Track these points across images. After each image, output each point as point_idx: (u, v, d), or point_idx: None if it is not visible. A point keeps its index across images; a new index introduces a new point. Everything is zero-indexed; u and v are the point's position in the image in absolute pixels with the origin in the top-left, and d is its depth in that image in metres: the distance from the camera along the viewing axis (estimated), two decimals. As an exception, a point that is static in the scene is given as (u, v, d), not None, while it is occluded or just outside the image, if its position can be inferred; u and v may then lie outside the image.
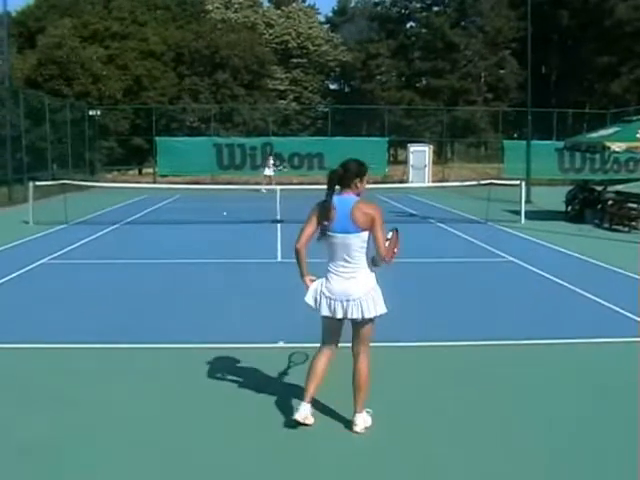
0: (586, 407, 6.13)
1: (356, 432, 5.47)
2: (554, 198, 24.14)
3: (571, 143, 24.53)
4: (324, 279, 5.48)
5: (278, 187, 24.40)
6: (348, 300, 5.35)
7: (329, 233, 5.36)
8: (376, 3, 66.19)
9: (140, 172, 44.07)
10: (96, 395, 6.36)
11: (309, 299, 5.51)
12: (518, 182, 21.45)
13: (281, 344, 7.72)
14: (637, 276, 11.84)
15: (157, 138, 38.60)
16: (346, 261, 5.37)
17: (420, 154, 38.50)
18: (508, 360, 7.48)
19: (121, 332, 8.43)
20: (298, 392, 5.82)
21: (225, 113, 45.92)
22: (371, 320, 5.45)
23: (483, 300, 10.37)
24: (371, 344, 5.60)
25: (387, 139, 40.51)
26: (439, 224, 19.75)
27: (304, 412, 5.51)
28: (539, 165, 31.73)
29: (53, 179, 26.67)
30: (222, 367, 7.00)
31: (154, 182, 36.26)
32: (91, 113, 38.48)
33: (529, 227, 18.79)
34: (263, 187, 28.36)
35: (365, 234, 5.31)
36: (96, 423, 5.74)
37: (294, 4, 62.83)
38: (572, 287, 11.00)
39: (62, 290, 10.99)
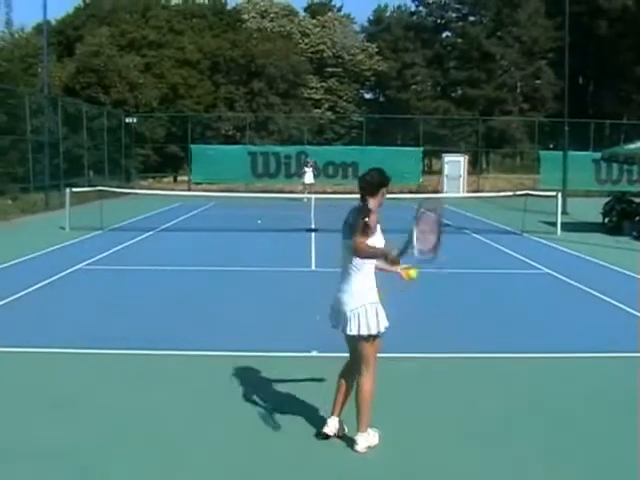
0: (621, 423, 6.00)
1: (357, 451, 5.32)
2: (591, 209, 23.86)
3: (609, 154, 24.29)
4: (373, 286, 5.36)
5: (313, 196, 24.35)
6: (339, 310, 5.29)
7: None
8: (412, 13, 66.12)
9: (175, 179, 44.40)
10: (127, 401, 6.38)
11: None
12: (554, 193, 21.25)
13: (314, 353, 7.69)
14: (676, 290, 11.64)
15: (192, 146, 38.92)
16: (344, 269, 5.32)
17: (455, 164, 38.30)
18: (544, 374, 7.38)
19: (155, 339, 8.45)
20: (327, 402, 5.76)
21: (260, 122, 46.11)
22: (360, 338, 5.25)
23: (517, 312, 10.25)
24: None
25: (422, 149, 40.38)
26: (474, 235, 19.60)
27: (333, 425, 5.51)
28: (576, 176, 31.47)
29: (89, 185, 26.98)
30: (254, 376, 6.98)
31: (189, 189, 36.49)
32: (127, 121, 38.85)
33: (565, 239, 18.57)
34: (305, 195, 27.80)
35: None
36: (125, 429, 5.75)
37: (330, 13, 62.88)
38: (610, 300, 10.83)
39: (97, 296, 11.06)
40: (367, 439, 5.37)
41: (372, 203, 5.22)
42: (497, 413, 6.21)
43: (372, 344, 5.29)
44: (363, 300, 5.22)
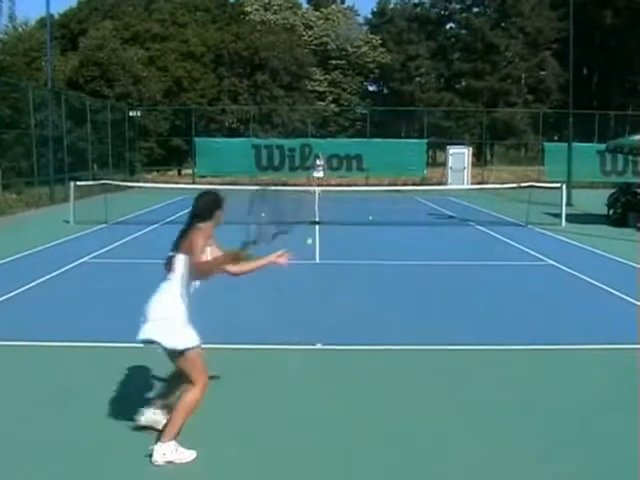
0: (621, 417, 6.00)
1: (154, 462, 4.96)
2: (595, 201, 23.82)
3: (613, 145, 24.23)
4: (183, 305, 5.49)
5: (317, 189, 24.25)
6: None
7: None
8: (415, 4, 66.00)
9: (179, 173, 44.41)
10: (130, 395, 6.39)
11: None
12: (559, 185, 21.20)
13: (319, 346, 7.69)
14: (681, 281, 11.63)
15: (196, 139, 38.94)
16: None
17: (459, 156, 38.26)
18: (546, 365, 7.39)
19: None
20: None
21: (264, 114, 46.08)
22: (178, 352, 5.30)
23: (521, 303, 10.25)
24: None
25: (426, 141, 40.32)
26: (478, 227, 19.58)
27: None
28: (580, 168, 31.35)
29: (93, 179, 26.96)
30: (257, 368, 6.99)
31: (193, 182, 36.44)
32: (131, 114, 38.87)
33: (570, 230, 18.55)
34: (308, 188, 27.56)
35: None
36: (127, 422, 5.77)
37: (333, 6, 62.82)
38: (613, 291, 10.82)
39: (102, 289, 11.09)
40: (166, 452, 5.02)
41: (203, 225, 5.42)
42: (501, 406, 6.22)
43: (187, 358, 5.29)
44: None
